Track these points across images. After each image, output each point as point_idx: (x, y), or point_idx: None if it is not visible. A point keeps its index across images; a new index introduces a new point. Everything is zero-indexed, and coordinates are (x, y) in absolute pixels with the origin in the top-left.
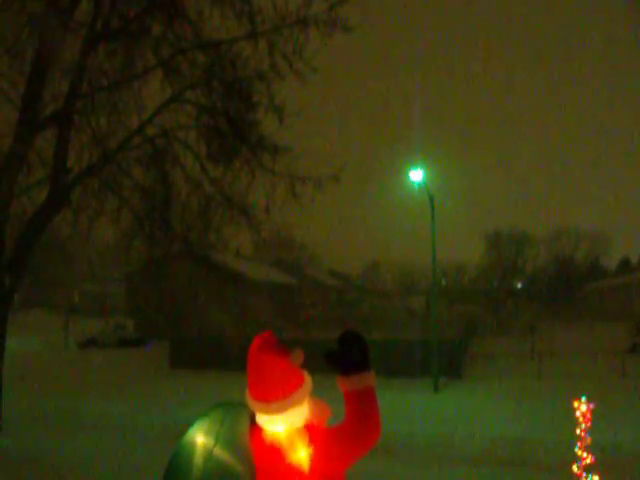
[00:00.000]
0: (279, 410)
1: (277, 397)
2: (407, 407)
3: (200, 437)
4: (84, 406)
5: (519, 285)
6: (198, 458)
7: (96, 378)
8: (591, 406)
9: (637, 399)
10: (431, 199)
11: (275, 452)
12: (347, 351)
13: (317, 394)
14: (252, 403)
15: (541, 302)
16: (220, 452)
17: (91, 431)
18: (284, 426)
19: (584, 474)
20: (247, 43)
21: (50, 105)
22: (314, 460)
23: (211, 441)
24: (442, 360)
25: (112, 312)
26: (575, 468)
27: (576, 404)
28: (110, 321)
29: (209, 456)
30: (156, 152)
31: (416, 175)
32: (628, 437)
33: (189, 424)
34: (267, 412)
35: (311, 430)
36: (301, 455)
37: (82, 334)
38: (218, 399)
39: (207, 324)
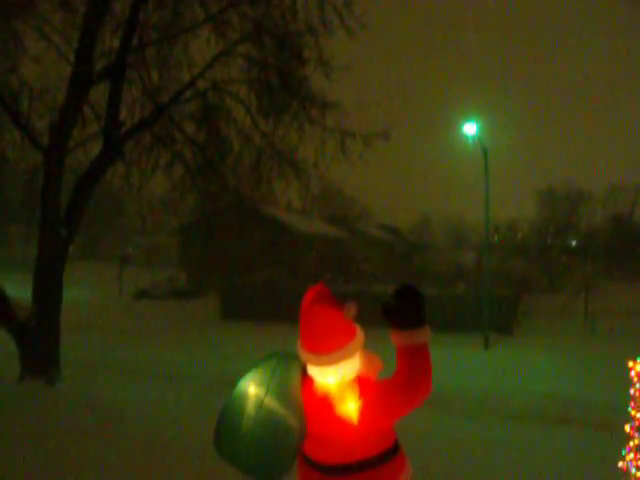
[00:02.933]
0: (330, 362)
1: (328, 349)
2: (457, 362)
3: (252, 387)
4: (139, 355)
5: (573, 243)
6: (250, 407)
7: (150, 328)
8: None
9: None
10: (485, 152)
11: (325, 403)
12: (403, 306)
13: (368, 347)
14: (304, 354)
15: (596, 261)
16: (271, 402)
17: (147, 379)
18: (335, 378)
19: (637, 434)
20: None
21: (102, 60)
22: (363, 412)
23: (262, 391)
24: (493, 316)
25: (165, 264)
26: (627, 428)
27: (631, 364)
28: (163, 273)
29: (260, 406)
30: (207, 106)
31: (470, 128)
32: None
33: (241, 374)
34: (318, 364)
35: (362, 383)
36: (351, 407)
37: (135, 286)
38: (269, 350)
39: (258, 277)
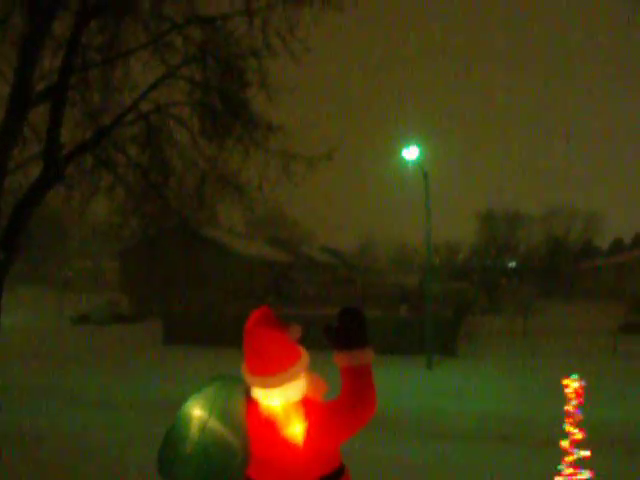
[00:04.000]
0: (275, 384)
1: (273, 371)
2: (401, 384)
3: (195, 410)
4: (79, 381)
5: (512, 264)
6: (193, 430)
7: (90, 354)
8: (583, 383)
9: (628, 377)
10: (425, 177)
11: (271, 426)
12: (346, 327)
13: (312, 369)
14: (248, 377)
15: (534, 281)
16: (214, 424)
17: (87, 406)
18: (280, 400)
19: (574, 450)
20: (241, 20)
21: (43, 80)
22: (309, 434)
23: (206, 414)
24: (436, 338)
25: (106, 288)
26: (565, 444)
27: (568, 382)
28: (104, 297)
29: (203, 429)
30: (150, 129)
31: (410, 153)
32: (618, 414)
33: (184, 399)
34: (263, 386)
35: (307, 404)
36: (296, 429)
37: (75, 310)
38: (212, 374)
39: (201, 300)
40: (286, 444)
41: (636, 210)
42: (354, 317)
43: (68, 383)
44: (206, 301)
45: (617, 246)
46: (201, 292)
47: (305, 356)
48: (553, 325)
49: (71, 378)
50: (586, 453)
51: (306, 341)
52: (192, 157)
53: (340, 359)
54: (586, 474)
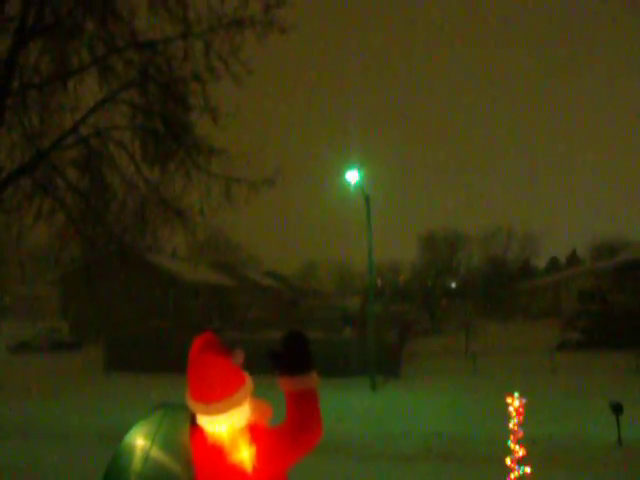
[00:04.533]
0: (220, 410)
1: (218, 397)
2: (345, 406)
3: (138, 440)
4: (17, 411)
5: (453, 285)
6: (136, 461)
7: (29, 382)
8: (523, 401)
9: (566, 394)
10: (367, 199)
11: (217, 452)
12: (290, 351)
13: (256, 394)
14: (193, 404)
15: (474, 301)
16: (157, 453)
17: (26, 437)
18: (226, 426)
19: (517, 466)
20: (183, 43)
21: None
22: (256, 460)
23: (148, 443)
24: (379, 359)
25: (45, 315)
26: (508, 461)
27: (509, 400)
28: (43, 324)
29: (146, 458)
30: (90, 153)
31: (352, 176)
32: (558, 430)
33: (127, 428)
34: (208, 413)
35: (253, 430)
36: (243, 455)
37: (14, 338)
38: (155, 402)
39: (143, 326)
40: (233, 471)
41: (571, 229)
42: (298, 341)
43: (5, 413)
44: (148, 327)
45: (553, 265)
46: (144, 318)
47: (249, 381)
48: (493, 344)
49: (6, 408)
50: (527, 470)
51: (250, 365)
52: (133, 181)
53: (285, 384)
54: None
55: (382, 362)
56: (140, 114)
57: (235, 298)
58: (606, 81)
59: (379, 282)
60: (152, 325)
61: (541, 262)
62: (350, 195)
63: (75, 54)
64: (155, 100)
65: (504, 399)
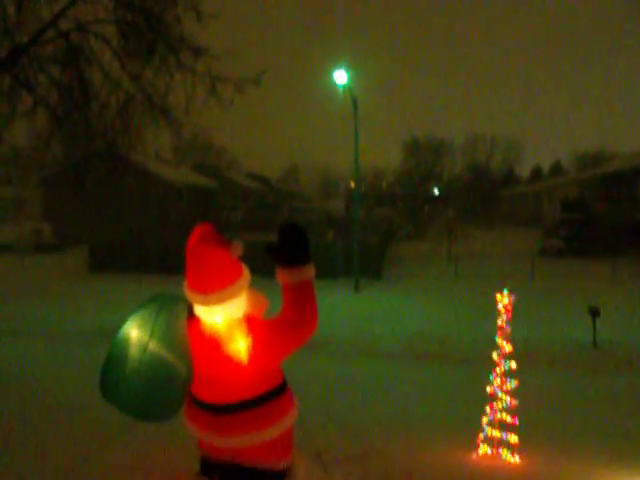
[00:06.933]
0: (218, 301)
1: (216, 288)
2: (330, 306)
3: (135, 331)
4: (5, 312)
5: (436, 191)
6: (134, 351)
7: (15, 284)
8: (513, 298)
9: (545, 298)
10: (354, 102)
11: (214, 343)
12: (287, 243)
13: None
14: (190, 295)
15: (457, 208)
16: (155, 345)
17: (18, 336)
18: (223, 317)
19: (502, 361)
20: None
21: None
22: (252, 350)
23: (146, 335)
24: (363, 262)
25: (29, 217)
26: (495, 355)
27: (499, 297)
28: (27, 226)
29: (144, 349)
30: (71, 47)
31: (340, 76)
32: (536, 332)
33: (117, 327)
34: (206, 303)
35: (250, 321)
36: (240, 345)
37: None
38: (142, 299)
39: (127, 227)
40: (230, 361)
41: (554, 139)
42: (295, 233)
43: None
44: (132, 228)
45: (537, 174)
46: (127, 219)
47: (247, 273)
48: (476, 250)
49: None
50: (513, 365)
51: None
52: (116, 78)
53: (282, 275)
54: (513, 384)
55: (365, 265)
56: (122, 8)
57: (218, 200)
58: None
59: (362, 187)
60: (136, 226)
61: (525, 171)
62: (337, 97)
63: None
64: None
65: (486, 302)
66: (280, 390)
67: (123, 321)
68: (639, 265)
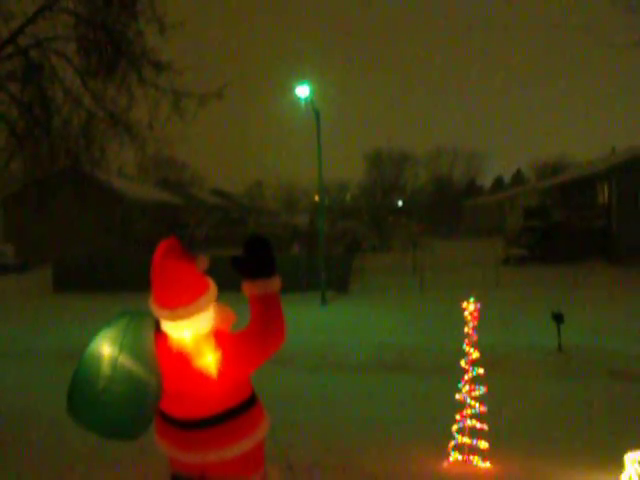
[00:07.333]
0: (185, 316)
1: (182, 303)
2: (297, 319)
3: (104, 347)
4: None
5: (400, 203)
6: (104, 368)
7: None
8: (478, 306)
9: (509, 306)
10: (317, 114)
11: (182, 358)
12: (253, 255)
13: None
14: (157, 310)
15: (421, 219)
16: (125, 360)
17: None
18: (190, 332)
19: (470, 368)
20: None
21: None
22: (221, 364)
23: (116, 350)
24: (328, 275)
25: None
26: (463, 363)
27: (465, 304)
28: None
29: (114, 365)
30: (30, 64)
31: (302, 90)
32: (502, 338)
33: (81, 344)
34: (173, 318)
35: (217, 335)
36: (208, 360)
37: None
38: (107, 317)
39: (90, 246)
40: (199, 375)
41: (515, 150)
42: (261, 245)
43: None
44: (96, 247)
45: (499, 184)
46: (91, 237)
47: (213, 287)
48: (440, 260)
49: None
50: (481, 371)
51: None
52: (78, 95)
53: (248, 288)
54: (482, 390)
55: (331, 278)
56: (82, 24)
57: (182, 216)
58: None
59: (326, 200)
60: (99, 244)
61: (486, 181)
62: (299, 111)
63: None
64: (98, 9)
65: (452, 311)
66: (250, 403)
67: (90, 338)
68: (600, 270)
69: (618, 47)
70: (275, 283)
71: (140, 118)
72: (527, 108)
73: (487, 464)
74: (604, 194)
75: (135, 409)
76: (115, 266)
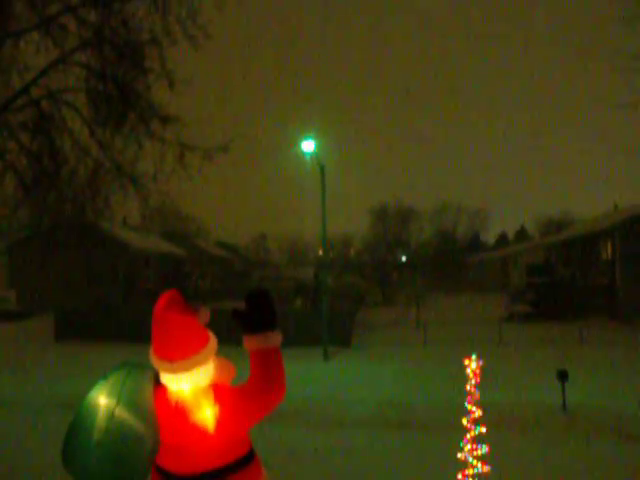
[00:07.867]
0: (184, 369)
1: (183, 355)
2: (299, 374)
3: (102, 398)
4: None
5: (404, 258)
6: (100, 419)
7: None
8: (480, 363)
9: (513, 363)
10: (322, 169)
11: (180, 412)
12: (254, 309)
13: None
14: (157, 362)
15: (425, 274)
16: (122, 412)
17: None
18: (189, 385)
19: (472, 426)
20: (140, 3)
21: None
22: (219, 419)
23: (112, 402)
24: (332, 330)
25: None
26: (464, 421)
27: (467, 362)
28: None
29: (111, 417)
30: (42, 115)
31: (308, 145)
32: (506, 396)
33: (81, 394)
34: (172, 371)
35: (216, 389)
36: (207, 414)
37: None
38: (107, 368)
39: (94, 295)
40: (197, 430)
41: (519, 206)
42: (262, 299)
43: None
44: (99, 296)
45: (502, 240)
46: (94, 286)
47: (213, 340)
48: (443, 316)
49: None
50: (483, 430)
51: None
52: (86, 146)
53: (249, 342)
54: (484, 449)
55: (334, 332)
56: (93, 77)
57: (186, 268)
58: (554, 62)
59: (330, 254)
60: (102, 294)
61: (490, 237)
62: (304, 166)
63: (24, 12)
64: (110, 63)
65: (454, 368)
66: (248, 459)
67: (89, 389)
68: (604, 328)
69: (620, 107)
70: (276, 337)
71: (146, 170)
72: (530, 165)
73: None
74: (607, 251)
75: (130, 463)
76: (117, 316)
